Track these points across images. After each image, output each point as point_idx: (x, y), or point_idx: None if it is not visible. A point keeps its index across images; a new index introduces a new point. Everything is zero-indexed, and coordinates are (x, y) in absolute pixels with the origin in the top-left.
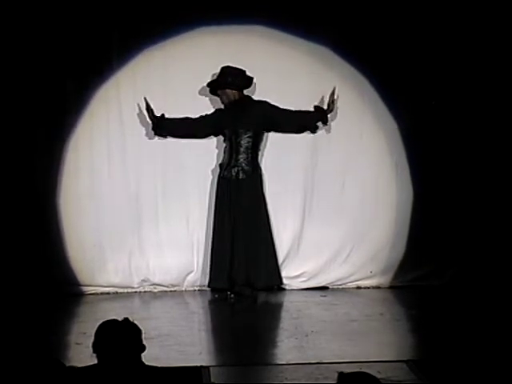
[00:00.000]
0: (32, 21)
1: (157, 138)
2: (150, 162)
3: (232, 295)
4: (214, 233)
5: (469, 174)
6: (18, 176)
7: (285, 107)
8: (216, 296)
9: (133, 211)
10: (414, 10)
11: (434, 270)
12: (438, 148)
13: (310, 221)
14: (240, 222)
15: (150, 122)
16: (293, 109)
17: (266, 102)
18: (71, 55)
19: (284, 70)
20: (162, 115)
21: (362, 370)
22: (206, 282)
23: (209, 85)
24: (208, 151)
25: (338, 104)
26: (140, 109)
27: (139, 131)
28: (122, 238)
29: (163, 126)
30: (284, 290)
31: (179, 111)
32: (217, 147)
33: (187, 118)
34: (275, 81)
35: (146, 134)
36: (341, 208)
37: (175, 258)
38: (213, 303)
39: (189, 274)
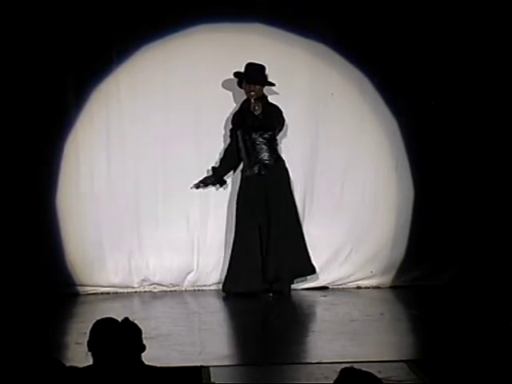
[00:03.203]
0: (31, 18)
1: (157, 137)
2: (149, 162)
3: (271, 294)
4: (236, 235)
5: (469, 174)
6: (17, 176)
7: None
8: (270, 295)
9: (133, 211)
10: (415, 7)
11: (434, 269)
12: (438, 148)
13: (310, 221)
14: (270, 218)
15: (214, 186)
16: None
17: (277, 108)
18: (70, 53)
19: (284, 67)
20: (214, 170)
21: (367, 370)
22: (208, 282)
23: (237, 76)
24: (208, 151)
25: (339, 103)
26: (200, 186)
27: (139, 130)
28: (121, 238)
29: (221, 174)
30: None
31: (179, 109)
32: (216, 147)
33: (226, 150)
34: (275, 79)
35: (146, 134)
36: (341, 208)
37: (175, 258)
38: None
39: (189, 273)
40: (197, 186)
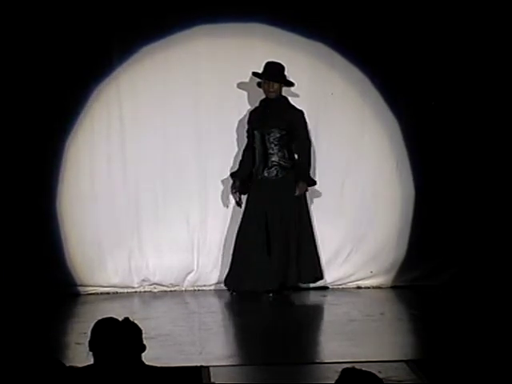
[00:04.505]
0: (31, 19)
1: (156, 137)
2: (149, 162)
3: (271, 294)
4: (242, 234)
5: (470, 174)
6: (18, 176)
7: (307, 134)
8: (270, 296)
9: (133, 211)
10: (416, 8)
11: (434, 269)
12: (439, 147)
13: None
14: (283, 221)
15: (243, 191)
16: (307, 144)
17: (300, 112)
18: (70, 54)
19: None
20: (234, 175)
21: (368, 370)
22: (208, 282)
23: (256, 75)
24: (208, 151)
25: (339, 103)
26: (238, 197)
27: (139, 131)
28: (121, 238)
29: (243, 177)
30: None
31: (179, 109)
32: (215, 147)
33: (244, 152)
34: None
35: (146, 134)
36: (341, 208)
37: (175, 258)
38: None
39: (189, 273)
40: (237, 202)
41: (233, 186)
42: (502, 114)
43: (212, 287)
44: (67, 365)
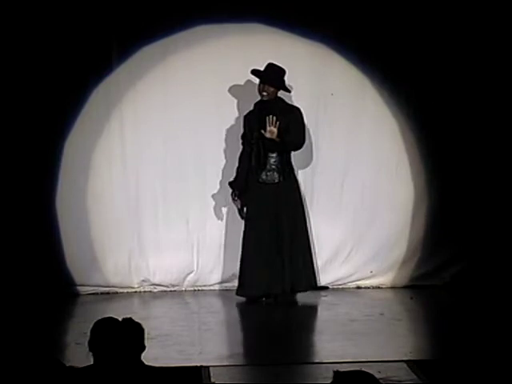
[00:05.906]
0: (31, 18)
1: (157, 137)
2: (150, 162)
3: (264, 299)
4: (246, 239)
5: (470, 173)
6: (17, 176)
7: (302, 132)
8: (263, 300)
9: (133, 211)
10: (415, 7)
11: (434, 269)
12: (438, 147)
13: (310, 221)
14: (281, 226)
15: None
16: (300, 142)
17: (298, 110)
18: (70, 55)
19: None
20: (233, 183)
21: (359, 369)
22: (207, 282)
23: (254, 73)
24: (208, 152)
25: (339, 103)
26: (238, 205)
27: (139, 131)
28: (121, 238)
29: (242, 184)
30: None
31: (179, 110)
32: (215, 148)
33: (241, 158)
34: None
35: (146, 134)
36: (341, 208)
37: (175, 258)
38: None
39: (189, 274)
40: (239, 209)
41: (233, 194)
42: (501, 114)
43: (212, 287)
44: (67, 365)
